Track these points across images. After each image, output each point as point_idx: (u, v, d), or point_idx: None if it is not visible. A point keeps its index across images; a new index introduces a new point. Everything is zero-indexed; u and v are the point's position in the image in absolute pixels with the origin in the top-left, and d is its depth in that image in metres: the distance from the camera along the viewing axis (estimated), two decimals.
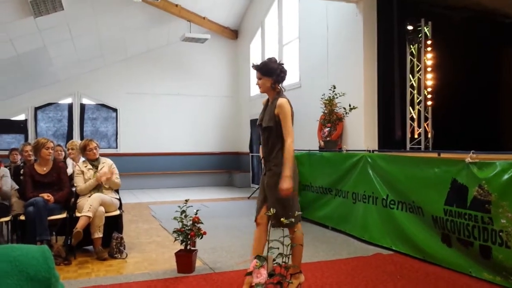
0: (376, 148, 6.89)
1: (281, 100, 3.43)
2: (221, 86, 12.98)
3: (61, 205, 4.81)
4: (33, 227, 4.31)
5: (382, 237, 4.98)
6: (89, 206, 4.59)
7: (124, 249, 4.69)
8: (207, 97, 12.71)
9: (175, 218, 4.20)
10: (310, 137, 8.13)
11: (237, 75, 13.09)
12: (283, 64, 3.58)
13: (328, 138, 7.02)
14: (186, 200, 4.27)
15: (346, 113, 6.94)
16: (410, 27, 7.44)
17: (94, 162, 5.12)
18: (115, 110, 11.95)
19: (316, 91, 8.05)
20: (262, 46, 11.48)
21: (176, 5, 10.73)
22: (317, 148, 7.39)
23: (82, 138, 10.81)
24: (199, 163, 12.47)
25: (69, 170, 5.35)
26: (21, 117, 11.03)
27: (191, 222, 4.18)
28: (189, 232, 4.13)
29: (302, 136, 8.93)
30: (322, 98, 7.27)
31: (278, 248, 2.90)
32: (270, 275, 2.81)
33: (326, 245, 5.12)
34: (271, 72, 3.47)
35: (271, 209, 3.17)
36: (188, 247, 4.17)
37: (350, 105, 6.74)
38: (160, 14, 10.64)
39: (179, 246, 4.21)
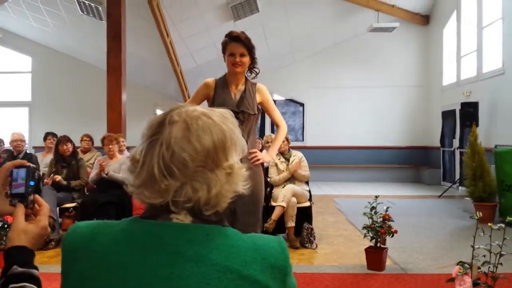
0: None
1: (261, 85, 3.03)
2: (410, 75, 12.34)
3: None
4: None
5: None
6: (283, 197, 4.91)
7: (314, 239, 4.88)
8: (394, 87, 12.24)
9: (364, 214, 4.16)
10: None
11: (427, 63, 12.26)
12: None
13: None
14: (376, 196, 4.19)
15: None
16: None
17: (285, 155, 5.43)
18: (302, 104, 12.45)
19: None
20: (457, 30, 10.50)
21: None
22: None
23: (272, 131, 11.54)
24: (384, 157, 12.11)
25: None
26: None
27: (381, 219, 4.10)
28: (379, 229, 4.07)
29: (507, 129, 7.91)
30: None
31: (484, 256, 2.66)
32: (475, 284, 2.60)
33: None
34: (253, 50, 2.92)
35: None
36: (378, 244, 4.11)
37: None
38: (347, 6, 10.62)
39: (367, 242, 4.18)
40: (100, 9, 8.53)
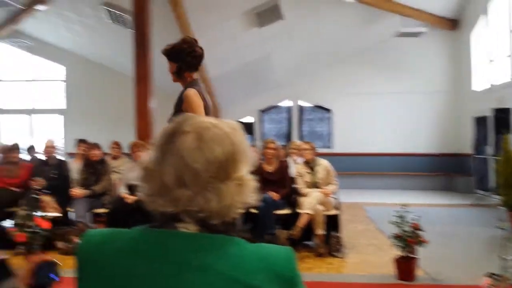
0: None
1: (187, 91, 2.74)
2: (438, 81, 12.07)
3: (285, 201, 5.22)
4: (263, 221, 4.80)
5: None
6: (310, 204, 4.87)
7: (343, 248, 4.82)
8: (421, 93, 12.00)
9: (392, 223, 4.08)
10: None
11: (456, 68, 11.97)
12: (196, 44, 2.80)
13: None
14: (404, 205, 4.12)
15: None
16: None
17: (310, 164, 5.37)
18: (329, 110, 12.36)
19: None
20: (487, 34, 10.23)
21: (388, 0, 10.42)
22: None
23: (301, 138, 11.50)
24: (414, 164, 11.87)
25: (292, 169, 5.76)
26: (250, 119, 12.37)
27: (410, 228, 4.01)
28: (408, 239, 3.98)
29: None
30: None
31: None
32: None
33: None
34: (177, 55, 2.79)
35: None
36: (408, 254, 4.02)
37: None
38: (372, 12, 10.50)
39: (397, 252, 4.10)
40: (127, 17, 8.69)
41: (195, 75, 2.86)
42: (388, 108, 12.04)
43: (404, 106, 12.00)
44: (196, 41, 2.86)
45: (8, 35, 11.25)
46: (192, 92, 2.72)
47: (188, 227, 0.88)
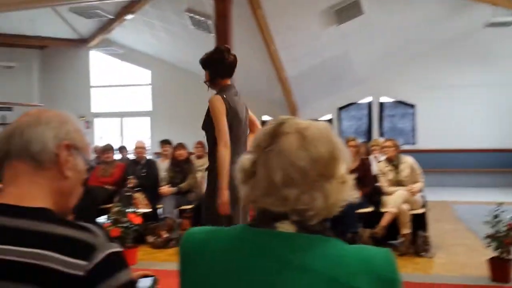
0: None
1: (212, 97, 2.81)
2: None
3: (367, 200, 5.12)
4: (346, 219, 4.74)
5: None
6: (395, 203, 4.73)
7: (430, 248, 4.63)
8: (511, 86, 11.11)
9: (486, 223, 3.85)
10: None
11: None
12: (228, 52, 2.88)
13: None
14: (500, 203, 3.87)
15: None
16: None
17: (394, 162, 5.18)
18: (412, 106, 11.85)
19: None
20: None
21: None
22: None
23: (381, 135, 11.17)
24: (504, 160, 11.01)
25: (374, 167, 5.63)
26: (328, 116, 12.23)
27: (505, 227, 3.77)
28: (504, 239, 3.74)
29: None
30: None
31: None
32: None
33: None
34: (208, 64, 2.93)
35: None
36: (504, 255, 3.77)
37: None
38: (459, 2, 9.91)
39: (490, 252, 3.86)
40: (209, 22, 8.99)
41: (229, 81, 2.97)
42: (475, 102, 11.30)
43: (493, 99, 11.20)
44: (228, 49, 2.97)
45: (100, 43, 12.18)
46: (214, 98, 2.82)
47: (286, 227, 0.89)
